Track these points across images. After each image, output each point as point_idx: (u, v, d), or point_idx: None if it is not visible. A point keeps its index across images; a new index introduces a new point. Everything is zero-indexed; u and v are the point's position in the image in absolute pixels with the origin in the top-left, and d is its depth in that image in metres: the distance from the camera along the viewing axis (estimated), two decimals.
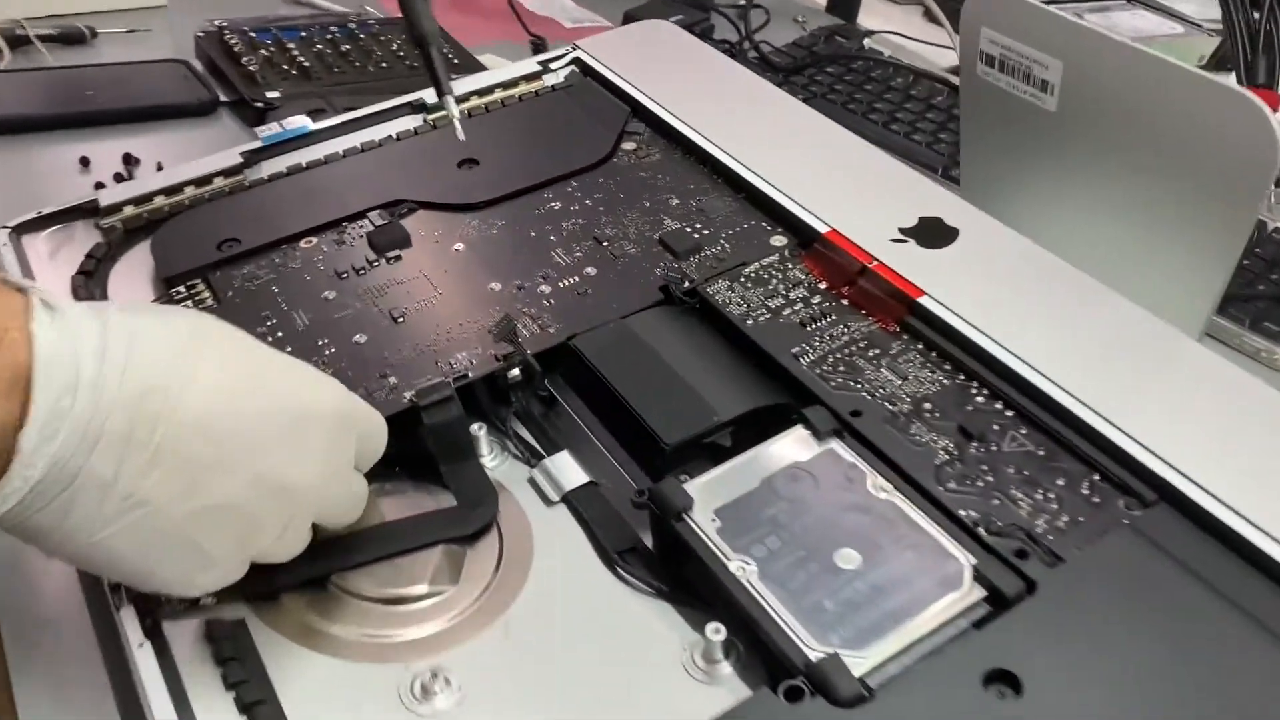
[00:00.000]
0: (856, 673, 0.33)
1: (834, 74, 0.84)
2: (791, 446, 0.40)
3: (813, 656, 0.33)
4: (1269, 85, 0.73)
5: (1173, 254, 0.50)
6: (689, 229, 0.51)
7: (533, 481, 0.43)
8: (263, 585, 0.36)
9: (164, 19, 0.83)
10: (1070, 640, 0.33)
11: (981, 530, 0.37)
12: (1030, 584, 0.35)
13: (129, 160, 0.66)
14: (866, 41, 0.90)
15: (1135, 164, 0.49)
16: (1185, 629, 0.33)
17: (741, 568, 0.36)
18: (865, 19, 0.97)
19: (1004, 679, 0.32)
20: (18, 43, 0.74)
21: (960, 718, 0.31)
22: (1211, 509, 0.36)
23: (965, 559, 0.36)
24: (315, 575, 0.38)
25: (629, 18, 0.89)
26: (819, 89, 0.83)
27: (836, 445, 0.40)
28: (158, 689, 0.33)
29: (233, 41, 0.75)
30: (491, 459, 0.44)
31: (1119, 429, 0.38)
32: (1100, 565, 0.35)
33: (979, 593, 0.35)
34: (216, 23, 0.77)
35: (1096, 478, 0.38)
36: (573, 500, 0.42)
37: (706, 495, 0.38)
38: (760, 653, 0.35)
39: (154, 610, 0.35)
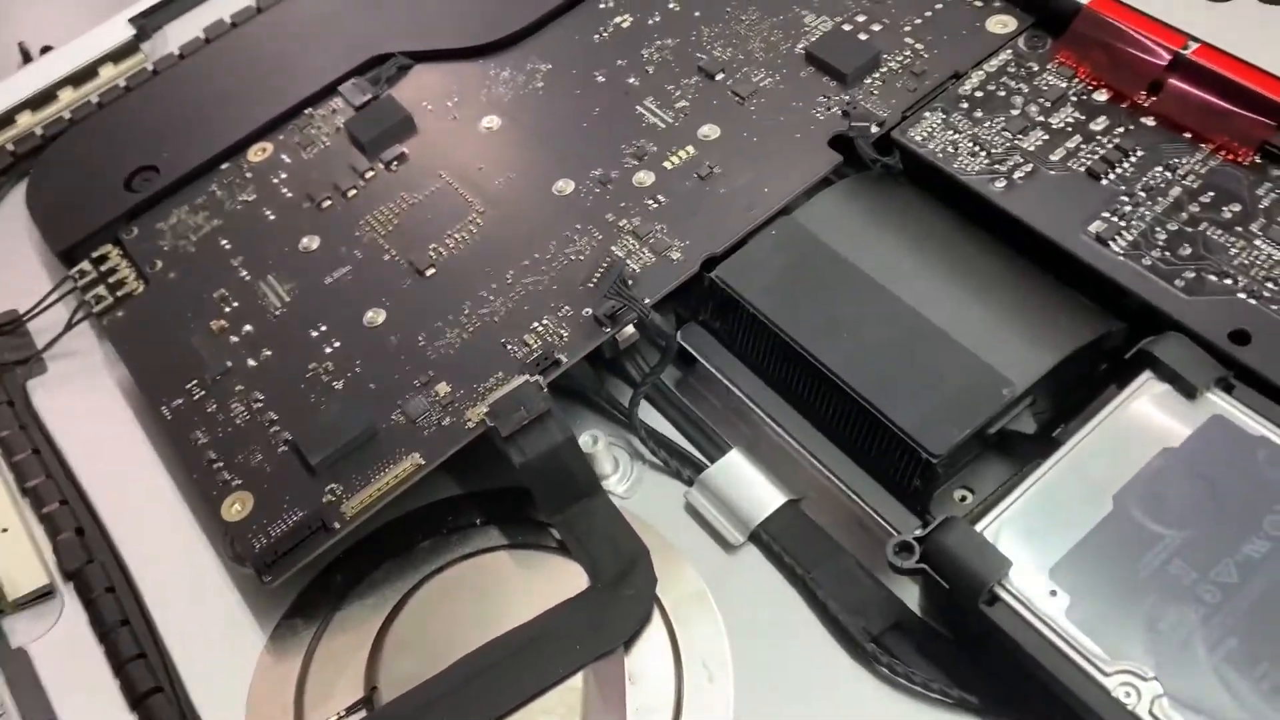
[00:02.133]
0: None
1: None
2: (1147, 419, 0.24)
3: None
4: None
5: None
6: (850, 27, 0.33)
7: (693, 510, 0.28)
8: None
9: None
10: None
11: None
12: None
13: None
14: None
15: None
16: None
17: (1133, 690, 0.21)
18: None
19: None
20: None
21: None
22: None
23: None
24: None
25: None
26: None
27: (1223, 403, 0.24)
28: None
29: None
30: (620, 481, 0.29)
31: None
32: None
33: None
34: None
35: None
36: (766, 536, 0.27)
37: (1024, 541, 0.23)
38: None
39: None
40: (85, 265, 0.34)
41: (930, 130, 0.30)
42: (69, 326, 0.33)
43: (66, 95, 0.38)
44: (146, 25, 0.39)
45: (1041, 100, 0.30)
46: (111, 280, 0.33)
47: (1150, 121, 0.29)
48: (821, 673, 0.25)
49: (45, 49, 0.43)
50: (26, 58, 0.44)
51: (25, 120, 0.37)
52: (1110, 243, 0.27)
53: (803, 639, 0.26)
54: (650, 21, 0.36)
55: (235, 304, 0.32)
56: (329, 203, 0.33)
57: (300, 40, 0.38)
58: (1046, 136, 0.30)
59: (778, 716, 0.25)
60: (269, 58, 0.38)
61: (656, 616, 0.27)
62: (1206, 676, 0.21)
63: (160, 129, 0.37)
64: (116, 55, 0.38)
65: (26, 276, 0.34)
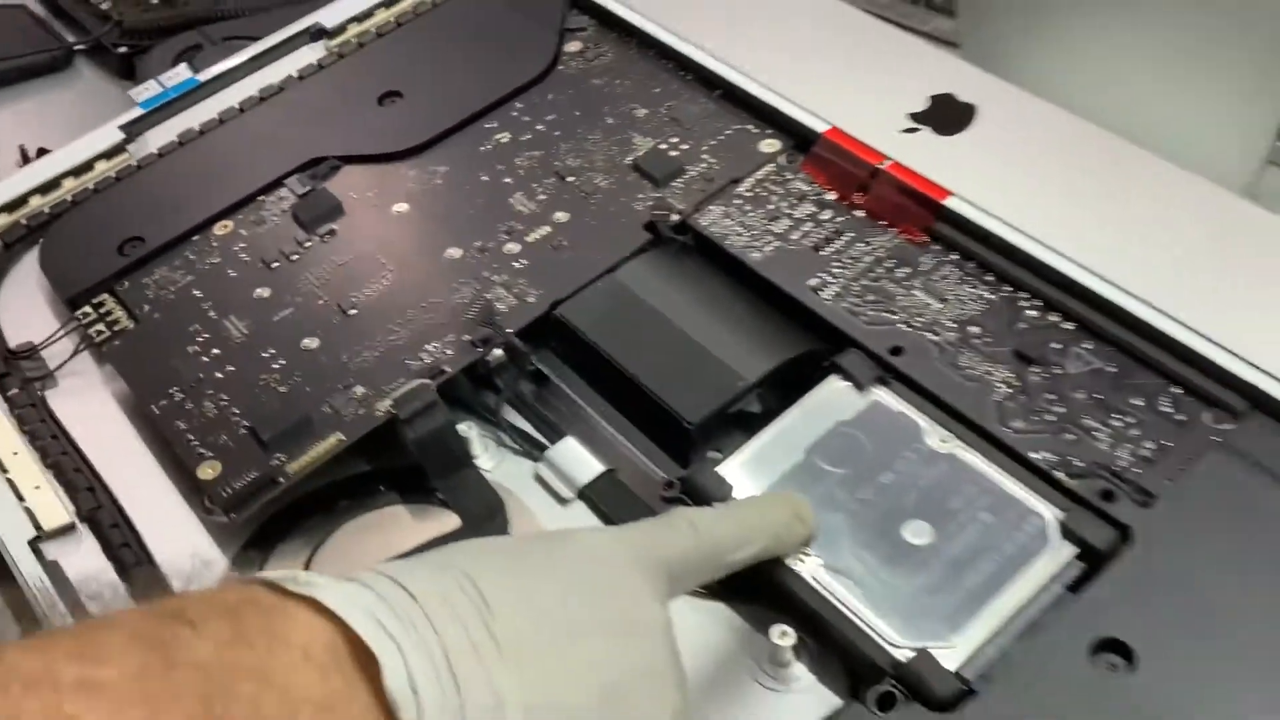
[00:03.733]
0: (951, 666, 0.32)
1: None
2: (830, 403, 0.39)
3: (900, 656, 0.32)
4: None
5: (1221, 90, 0.48)
6: (664, 146, 0.48)
7: (540, 479, 0.41)
8: None
9: None
10: (1180, 592, 0.32)
11: (1060, 475, 0.36)
12: (1124, 531, 0.34)
13: None
14: None
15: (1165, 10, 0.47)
16: None
17: (804, 563, 0.35)
18: None
19: (1113, 648, 0.32)
20: None
21: (1073, 699, 0.31)
22: None
23: (1048, 512, 0.35)
24: None
25: None
26: None
27: (881, 394, 0.39)
28: None
29: None
30: (489, 459, 0.42)
31: (1194, 331, 0.37)
32: (1198, 497, 0.34)
33: (1069, 550, 0.34)
34: None
35: (1178, 391, 0.37)
36: (590, 495, 0.40)
37: (746, 477, 0.37)
38: (837, 654, 0.34)
39: None
40: (87, 309, 0.46)
41: (714, 218, 0.45)
42: (75, 353, 0.45)
43: (69, 183, 0.51)
44: (132, 131, 0.53)
45: (790, 199, 0.45)
46: (108, 320, 0.46)
47: (859, 214, 0.44)
48: None
49: (41, 151, 0.57)
50: (25, 158, 0.57)
51: (36, 201, 0.50)
52: (821, 292, 0.42)
53: None
54: (522, 138, 0.50)
55: (205, 335, 0.44)
56: (277, 264, 0.47)
57: (255, 144, 0.52)
58: (790, 223, 0.44)
59: None
60: (231, 157, 0.51)
61: None
62: (848, 555, 0.35)
63: (144, 209, 0.50)
64: (109, 153, 0.51)
65: (41, 318, 0.47)
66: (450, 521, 0.40)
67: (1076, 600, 0.33)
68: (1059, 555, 0.34)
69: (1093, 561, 0.34)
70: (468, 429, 0.42)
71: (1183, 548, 0.33)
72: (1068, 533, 0.34)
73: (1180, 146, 0.44)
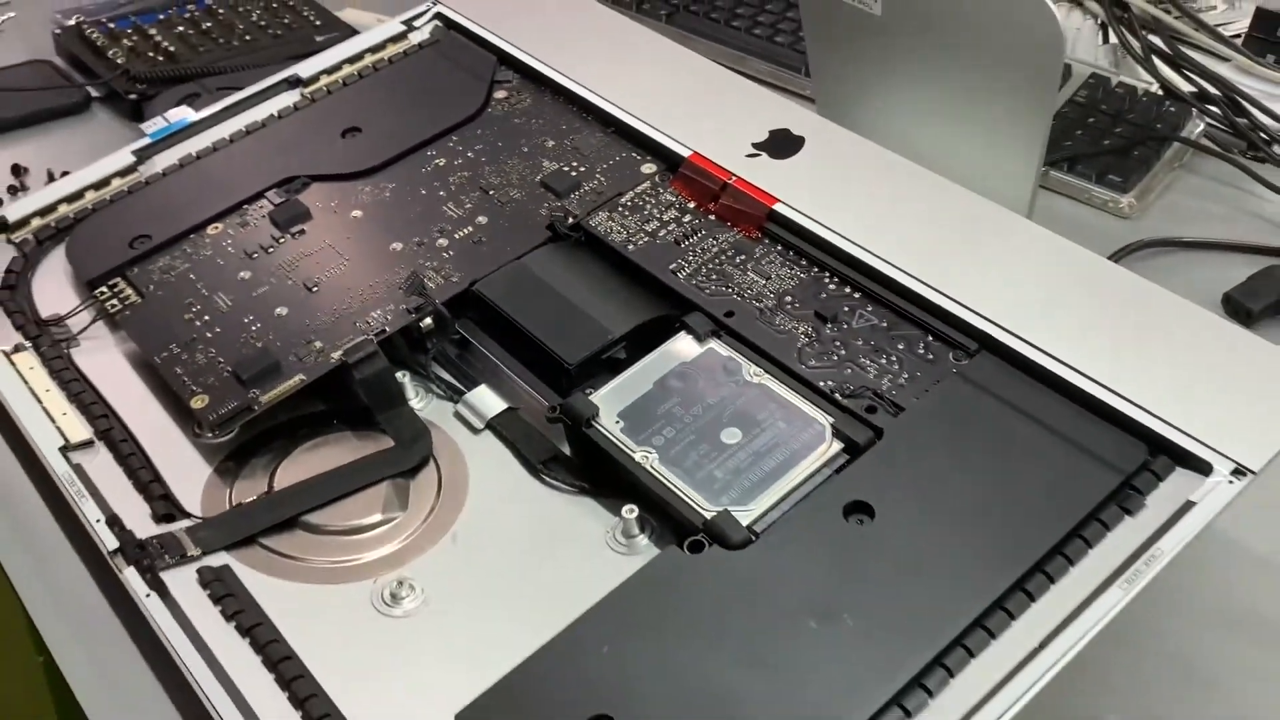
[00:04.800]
0: (744, 522, 0.43)
1: None
2: (677, 351, 0.50)
3: (708, 515, 0.44)
4: None
5: (993, 141, 0.61)
6: (566, 168, 0.60)
7: (458, 415, 0.53)
8: (239, 534, 0.46)
9: (13, 22, 0.88)
10: (912, 469, 0.44)
11: (837, 395, 0.47)
12: (878, 431, 0.45)
13: (17, 171, 0.72)
14: None
15: (952, 61, 0.60)
16: (1003, 447, 0.44)
17: (645, 456, 0.46)
18: None
19: (860, 509, 0.43)
20: None
21: (826, 543, 0.42)
22: (1023, 351, 0.47)
23: (825, 420, 0.46)
24: (282, 518, 0.47)
25: None
26: (684, 2, 0.91)
27: (715, 344, 0.50)
28: (172, 628, 0.42)
29: (93, 35, 0.81)
30: (419, 401, 0.53)
31: (945, 294, 0.49)
32: (934, 408, 0.46)
33: (838, 445, 0.46)
34: (76, 18, 0.82)
35: (930, 339, 0.49)
36: (496, 426, 0.52)
37: (609, 403, 0.48)
38: (668, 523, 0.45)
39: (151, 566, 0.44)
40: (103, 289, 0.58)
41: (600, 220, 0.57)
42: (93, 322, 0.56)
43: (90, 194, 0.62)
44: (142, 155, 0.64)
45: (660, 206, 0.58)
46: (121, 296, 0.57)
47: (711, 217, 0.57)
48: (516, 487, 0.49)
49: (64, 173, 0.68)
50: (51, 179, 0.69)
51: (63, 208, 0.62)
52: (678, 274, 0.54)
53: (509, 470, 0.50)
54: (455, 163, 0.62)
55: (198, 307, 0.56)
56: (256, 255, 0.58)
57: (241, 166, 0.64)
58: (659, 224, 0.57)
59: (492, 505, 0.49)
60: (221, 175, 0.63)
61: (431, 465, 0.50)
62: (678, 452, 0.46)
63: (151, 214, 0.61)
64: (123, 172, 0.63)
65: (65, 296, 0.58)
66: (386, 444, 0.51)
67: (839, 477, 0.44)
68: (830, 449, 0.45)
69: (854, 454, 0.45)
70: (403, 377, 0.53)
71: (918, 441, 0.45)
72: (838, 434, 0.46)
73: (976, 177, 0.56)
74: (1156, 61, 0.77)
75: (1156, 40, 0.78)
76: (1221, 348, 0.46)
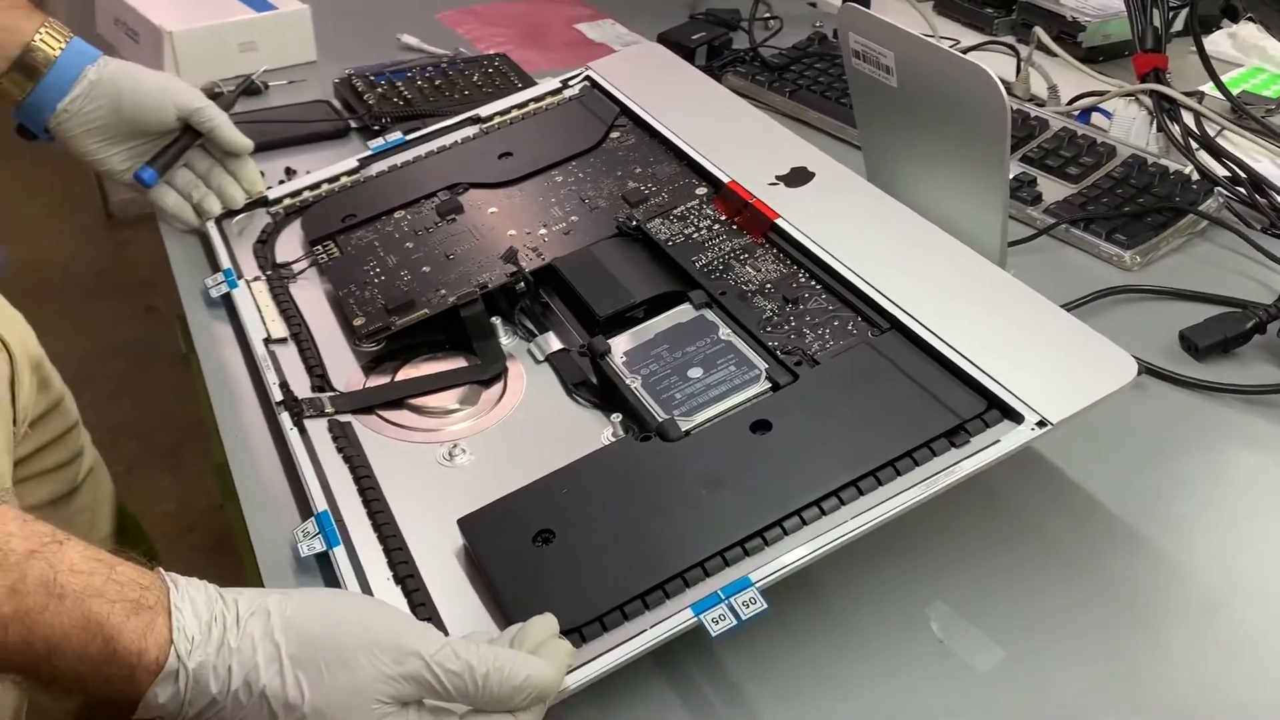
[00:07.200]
0: (683, 428, 0.59)
1: (820, 69, 1.09)
2: (678, 315, 0.66)
3: (660, 419, 0.59)
4: (1155, 50, 0.94)
5: (967, 191, 0.73)
6: (643, 187, 0.78)
7: (529, 351, 0.71)
8: (361, 404, 0.66)
9: (315, 71, 1.16)
10: (810, 403, 0.58)
11: (778, 352, 0.62)
12: (795, 375, 0.60)
13: (289, 173, 0.98)
14: None
15: (940, 124, 0.73)
16: (881, 395, 0.57)
17: (632, 380, 0.63)
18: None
19: (763, 426, 0.57)
20: (214, 97, 1.07)
21: (734, 446, 0.57)
22: (918, 330, 0.60)
23: (762, 366, 0.61)
24: (392, 398, 0.67)
25: (663, 38, 1.16)
26: (805, 81, 1.07)
27: (706, 312, 0.66)
28: (303, 454, 0.62)
29: (358, 84, 1.06)
30: (505, 339, 0.72)
31: (875, 288, 0.63)
32: (841, 364, 0.60)
33: (766, 384, 0.60)
34: (349, 71, 1.08)
35: (858, 318, 0.63)
36: (551, 360, 0.69)
37: (620, 344, 0.65)
38: (639, 425, 0.61)
39: (300, 414, 0.65)
40: (319, 247, 0.80)
41: (654, 224, 0.74)
42: (308, 267, 0.79)
43: (324, 186, 0.86)
44: (363, 162, 0.88)
45: (701, 217, 0.74)
46: (329, 252, 0.80)
47: (734, 226, 0.73)
48: (554, 400, 0.67)
49: (291, 171, 0.92)
50: (290, 174, 0.93)
51: (306, 194, 0.86)
52: (697, 263, 0.70)
53: (553, 388, 0.67)
54: (568, 180, 0.81)
55: (373, 261, 0.77)
56: (420, 233, 0.79)
57: (426, 174, 0.85)
58: (695, 229, 0.73)
59: (536, 409, 0.66)
60: (411, 180, 0.85)
61: (501, 380, 0.69)
62: (657, 380, 0.62)
63: (360, 202, 0.84)
64: (349, 173, 0.87)
65: (296, 249, 0.81)
66: (477, 364, 0.70)
67: (756, 403, 0.59)
68: (759, 386, 0.60)
69: (775, 390, 0.60)
70: (496, 321, 0.72)
71: (820, 385, 0.59)
72: (769, 377, 0.60)
73: (955, 218, 0.69)
74: (1194, 146, 0.86)
75: (1209, 128, 0.88)
76: (1062, 335, 0.57)
